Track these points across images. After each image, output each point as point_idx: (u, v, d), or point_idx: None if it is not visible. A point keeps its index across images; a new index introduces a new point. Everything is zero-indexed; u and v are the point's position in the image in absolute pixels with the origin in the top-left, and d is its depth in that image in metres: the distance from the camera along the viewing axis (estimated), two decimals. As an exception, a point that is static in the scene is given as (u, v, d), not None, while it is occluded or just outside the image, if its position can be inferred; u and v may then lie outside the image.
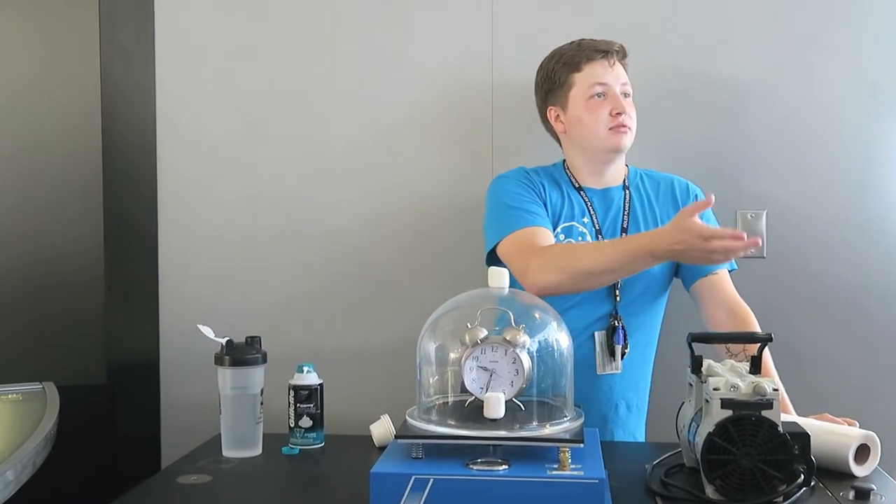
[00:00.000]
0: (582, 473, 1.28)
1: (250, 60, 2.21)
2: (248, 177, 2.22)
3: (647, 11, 2.15)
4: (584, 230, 1.87)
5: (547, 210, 1.85)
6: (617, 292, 1.84)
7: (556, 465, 1.31)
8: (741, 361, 1.53)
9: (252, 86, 2.22)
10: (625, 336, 1.83)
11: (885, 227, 2.13)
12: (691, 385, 1.48)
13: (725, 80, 2.14)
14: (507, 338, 1.39)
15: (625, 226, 1.88)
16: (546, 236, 1.78)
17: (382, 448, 1.65)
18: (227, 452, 1.70)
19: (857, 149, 2.13)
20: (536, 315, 1.49)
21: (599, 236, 1.86)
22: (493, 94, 2.17)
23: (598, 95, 1.85)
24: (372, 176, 2.20)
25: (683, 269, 1.90)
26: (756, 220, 2.14)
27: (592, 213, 1.89)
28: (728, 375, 1.36)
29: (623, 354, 1.83)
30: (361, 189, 2.20)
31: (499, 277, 1.48)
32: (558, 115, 1.92)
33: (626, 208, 1.90)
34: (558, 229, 1.86)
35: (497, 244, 1.81)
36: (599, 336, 1.84)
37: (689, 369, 1.48)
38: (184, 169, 2.22)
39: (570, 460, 1.31)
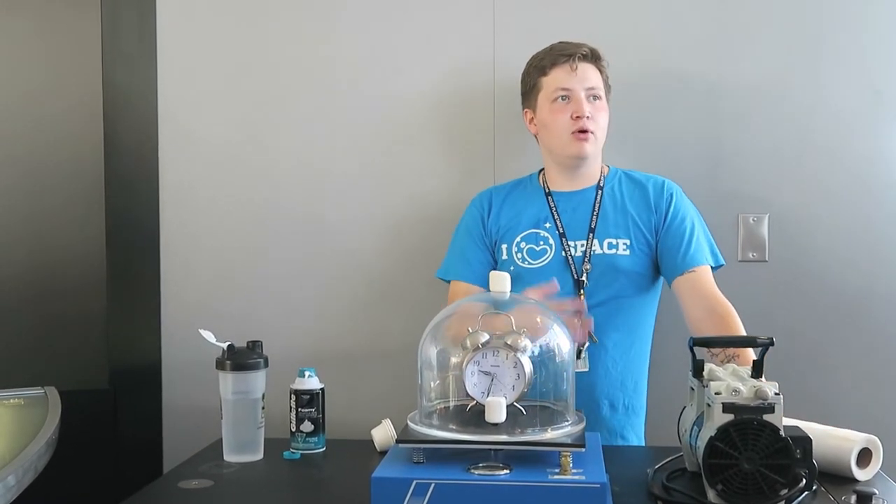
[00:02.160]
0: (583, 478, 1.28)
1: (251, 64, 2.22)
2: (250, 180, 2.22)
3: (649, 15, 2.15)
4: (547, 234, 1.91)
5: (493, 233, 1.96)
6: (582, 291, 1.86)
7: (557, 470, 1.30)
8: (721, 362, 1.53)
9: (253, 89, 2.22)
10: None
11: (888, 232, 2.12)
12: (692, 389, 1.48)
13: (728, 84, 2.14)
14: (509, 342, 1.38)
15: (592, 226, 1.90)
16: (461, 293, 1.91)
17: (384, 452, 1.64)
18: (229, 457, 1.70)
19: (860, 153, 2.13)
20: (538, 319, 1.49)
21: (563, 239, 1.90)
22: (495, 96, 2.17)
23: (562, 98, 1.88)
24: (373, 178, 2.20)
25: (663, 267, 1.90)
26: (758, 223, 2.14)
27: (556, 217, 1.92)
28: (730, 379, 1.36)
29: (578, 354, 1.83)
30: (363, 192, 2.20)
31: (500, 282, 1.48)
32: (532, 118, 1.97)
33: (596, 209, 1.91)
34: (518, 238, 1.92)
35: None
36: None
37: (690, 373, 1.47)
38: (185, 173, 2.22)
39: (571, 465, 1.31)
